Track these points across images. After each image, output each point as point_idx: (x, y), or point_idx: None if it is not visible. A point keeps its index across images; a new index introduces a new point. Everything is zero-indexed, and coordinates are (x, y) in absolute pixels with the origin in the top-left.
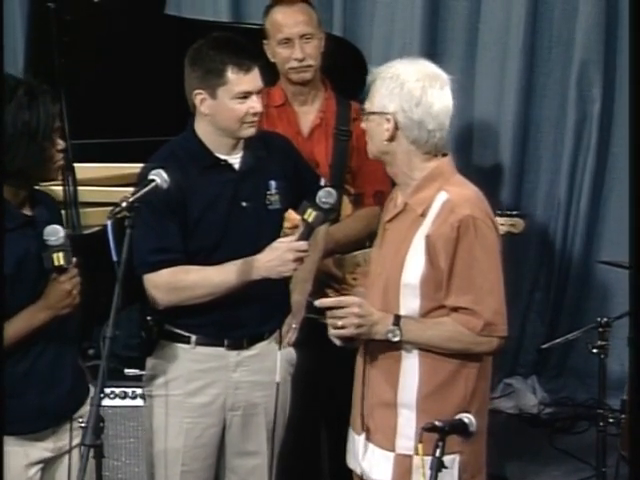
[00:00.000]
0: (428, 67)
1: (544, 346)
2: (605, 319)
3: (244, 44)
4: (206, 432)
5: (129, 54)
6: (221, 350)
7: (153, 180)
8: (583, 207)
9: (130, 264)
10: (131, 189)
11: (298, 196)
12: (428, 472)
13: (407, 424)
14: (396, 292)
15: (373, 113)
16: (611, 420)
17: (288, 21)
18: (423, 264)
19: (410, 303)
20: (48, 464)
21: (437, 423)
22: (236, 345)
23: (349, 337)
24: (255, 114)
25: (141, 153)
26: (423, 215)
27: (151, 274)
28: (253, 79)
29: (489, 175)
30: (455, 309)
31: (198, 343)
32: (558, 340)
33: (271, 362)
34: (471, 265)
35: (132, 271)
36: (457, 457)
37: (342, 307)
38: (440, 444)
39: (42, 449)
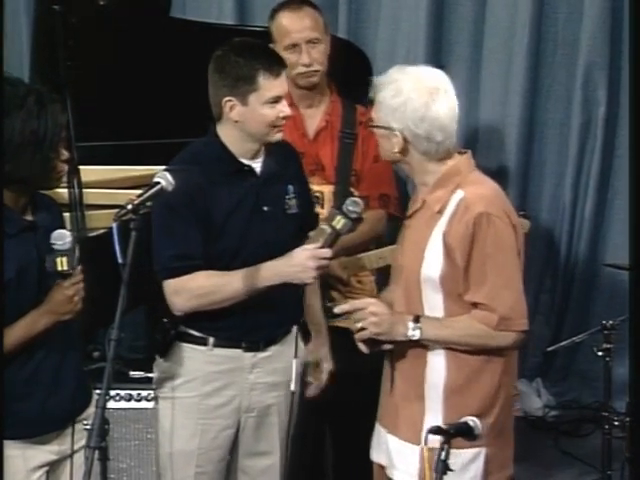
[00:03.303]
0: (428, 77)
1: (549, 349)
2: (610, 322)
3: (271, 49)
4: (221, 434)
5: (135, 57)
6: (238, 352)
7: (158, 183)
8: (588, 210)
9: (135, 266)
10: (137, 192)
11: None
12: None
13: (434, 417)
14: (417, 287)
15: (380, 127)
16: (616, 423)
17: (295, 26)
18: (442, 261)
19: (432, 298)
20: (53, 467)
21: (442, 426)
22: (253, 347)
23: (374, 341)
24: (284, 118)
25: (147, 156)
26: (440, 212)
27: (172, 280)
28: (282, 83)
29: (494, 177)
30: (474, 304)
31: (215, 345)
32: (563, 343)
33: (284, 363)
34: (485, 261)
35: (137, 273)
36: (483, 450)
37: (359, 310)
38: (445, 447)
39: (46, 452)
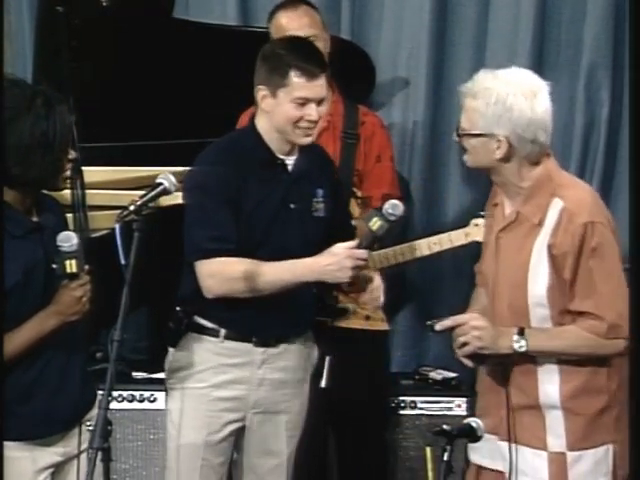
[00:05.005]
0: (523, 78)
1: None
2: None
3: (315, 50)
4: (227, 427)
5: (137, 57)
6: (248, 346)
7: (161, 184)
8: None
9: (138, 267)
10: (139, 192)
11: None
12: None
13: (555, 423)
14: (524, 304)
15: (479, 135)
16: None
17: (292, 24)
18: (547, 274)
19: (539, 312)
20: (58, 469)
21: (445, 427)
22: (263, 342)
23: (479, 356)
24: (310, 122)
25: (150, 157)
26: (540, 224)
27: (205, 261)
28: (316, 87)
29: None
30: (580, 313)
31: (226, 337)
32: None
33: (297, 361)
34: (592, 270)
35: (140, 274)
36: (611, 447)
37: (460, 325)
38: (448, 448)
39: (52, 454)
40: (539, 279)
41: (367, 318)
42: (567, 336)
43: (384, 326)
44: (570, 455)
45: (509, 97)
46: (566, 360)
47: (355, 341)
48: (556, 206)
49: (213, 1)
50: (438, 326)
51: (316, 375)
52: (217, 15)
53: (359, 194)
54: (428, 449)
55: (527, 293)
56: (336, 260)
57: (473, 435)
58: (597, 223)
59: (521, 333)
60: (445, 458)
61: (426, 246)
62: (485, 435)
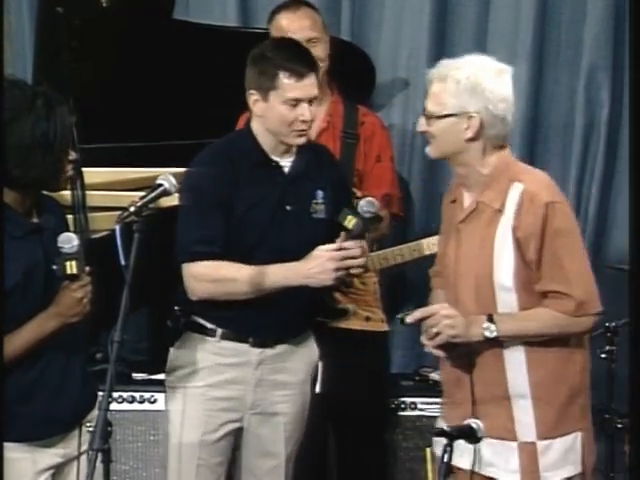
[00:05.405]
0: (489, 60)
1: None
2: (613, 324)
3: (302, 50)
4: (223, 427)
5: (137, 58)
6: (245, 347)
7: (161, 185)
8: (591, 212)
9: (138, 268)
10: (140, 194)
11: (337, 211)
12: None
13: (524, 412)
14: (490, 291)
15: (449, 115)
16: (619, 426)
17: (294, 26)
18: (512, 258)
19: (506, 299)
20: (58, 470)
21: (445, 428)
22: (260, 343)
23: (449, 345)
24: (304, 122)
25: (150, 158)
26: (501, 210)
27: (192, 264)
28: (306, 87)
29: None
30: (546, 294)
31: (223, 337)
32: None
33: (296, 363)
34: (558, 249)
35: (140, 275)
36: (579, 435)
37: (430, 316)
38: (448, 449)
39: (52, 455)
40: (504, 264)
41: (367, 319)
42: (536, 318)
43: (384, 327)
44: (540, 444)
45: (479, 74)
46: (533, 349)
47: (355, 342)
48: (516, 190)
49: (213, 2)
50: (409, 318)
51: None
52: (217, 16)
53: (359, 194)
54: (428, 450)
55: (493, 280)
56: (318, 263)
57: (473, 436)
58: (557, 203)
59: (490, 320)
60: (445, 459)
61: (426, 246)
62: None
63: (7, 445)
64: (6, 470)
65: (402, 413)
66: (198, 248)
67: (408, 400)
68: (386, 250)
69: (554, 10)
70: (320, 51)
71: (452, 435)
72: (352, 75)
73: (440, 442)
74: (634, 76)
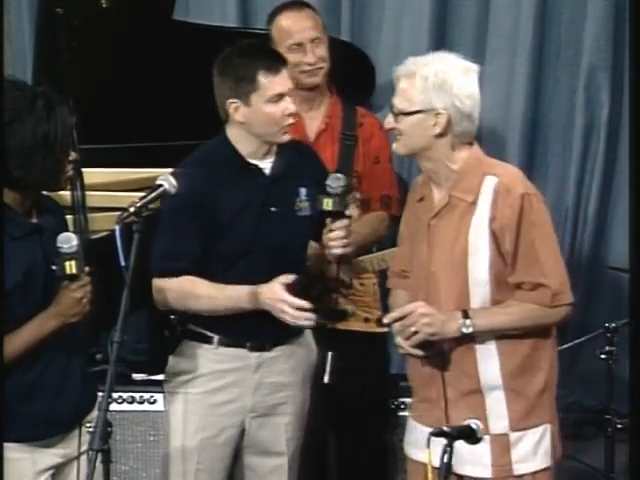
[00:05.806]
0: (457, 58)
1: None
2: (613, 324)
3: (269, 47)
4: (224, 432)
5: (137, 59)
6: (243, 351)
7: (161, 185)
8: (591, 212)
9: (138, 269)
10: (140, 194)
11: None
12: None
13: (497, 404)
14: (465, 286)
15: (417, 112)
16: (619, 426)
17: (297, 26)
18: (488, 250)
19: (480, 293)
20: (58, 470)
21: (445, 428)
22: (258, 347)
23: (426, 343)
24: (290, 115)
25: (150, 158)
26: (474, 203)
27: (158, 278)
28: (284, 80)
29: None
30: (519, 285)
31: (220, 343)
32: (566, 345)
33: (294, 363)
34: (533, 240)
35: (140, 276)
36: (549, 426)
37: (407, 315)
38: (448, 449)
39: (52, 455)
40: (480, 257)
41: (366, 320)
42: (511, 311)
43: (383, 328)
44: (512, 436)
45: (447, 71)
46: (504, 340)
47: (354, 343)
48: (490, 182)
49: (213, 2)
50: (386, 319)
51: (319, 372)
52: (217, 16)
53: (358, 196)
54: (427, 451)
55: (468, 274)
56: (273, 298)
57: (473, 436)
58: (532, 195)
59: (466, 315)
60: (445, 459)
61: None
62: (424, 429)
63: (7, 445)
64: (6, 470)
65: (402, 413)
66: (165, 264)
67: (408, 400)
68: (385, 251)
69: (554, 10)
70: (323, 51)
71: (452, 435)
72: (352, 76)
73: (416, 443)
74: (634, 76)
